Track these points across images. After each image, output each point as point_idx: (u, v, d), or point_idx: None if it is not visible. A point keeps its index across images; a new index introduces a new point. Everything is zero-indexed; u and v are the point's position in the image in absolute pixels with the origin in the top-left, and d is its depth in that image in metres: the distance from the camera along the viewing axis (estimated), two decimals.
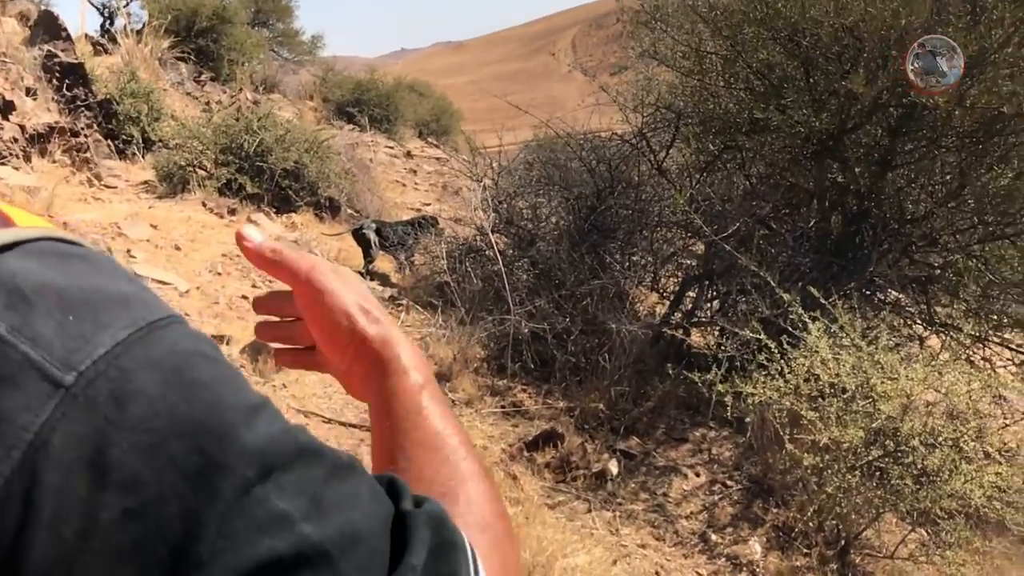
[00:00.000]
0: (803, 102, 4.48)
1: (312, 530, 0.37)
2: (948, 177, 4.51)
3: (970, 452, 3.10)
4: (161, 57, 10.22)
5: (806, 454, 3.18)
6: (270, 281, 5.44)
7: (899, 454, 3.14)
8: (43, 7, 9.29)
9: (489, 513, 0.52)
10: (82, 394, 0.35)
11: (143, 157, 7.40)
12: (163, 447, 0.36)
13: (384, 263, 6.41)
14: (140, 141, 7.46)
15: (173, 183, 6.74)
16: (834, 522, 3.42)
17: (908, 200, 4.70)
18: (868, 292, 4.69)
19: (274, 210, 6.89)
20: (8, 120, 6.21)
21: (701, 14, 4.72)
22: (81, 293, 0.39)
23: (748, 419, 3.71)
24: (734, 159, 5.27)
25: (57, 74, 7.04)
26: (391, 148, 13.93)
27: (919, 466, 3.08)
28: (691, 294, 5.19)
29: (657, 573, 3.28)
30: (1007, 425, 3.61)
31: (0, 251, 0.38)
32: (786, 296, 3.68)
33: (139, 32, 10.17)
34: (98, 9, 11.67)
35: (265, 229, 6.40)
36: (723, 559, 3.42)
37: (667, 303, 5.29)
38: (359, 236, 6.16)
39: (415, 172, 12.62)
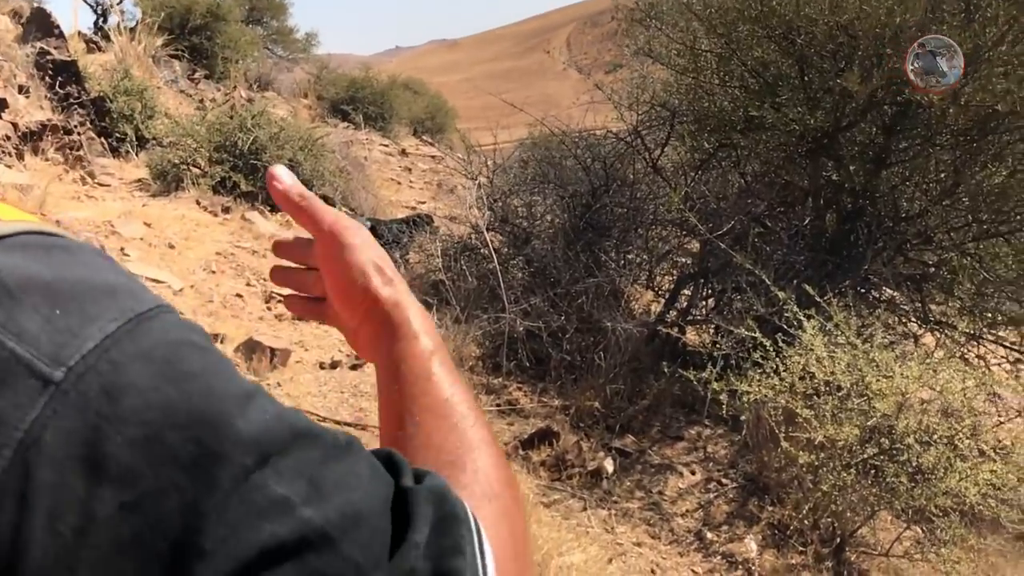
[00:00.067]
0: (798, 100, 4.48)
1: (313, 513, 0.37)
2: (943, 175, 4.52)
3: (965, 450, 3.11)
4: (155, 55, 10.18)
5: (801, 452, 3.18)
6: (264, 279, 5.44)
7: (894, 452, 3.15)
8: (36, 4, 9.23)
9: (497, 481, 0.51)
10: (72, 389, 0.35)
11: (137, 155, 7.37)
12: (158, 439, 0.35)
13: None
14: (134, 139, 7.43)
15: (167, 181, 6.71)
16: (829, 520, 3.43)
17: (903, 198, 4.70)
18: (863, 290, 4.70)
19: (268, 208, 6.87)
20: (0, 118, 6.18)
21: (696, 12, 4.72)
22: (67, 285, 0.38)
23: (743, 417, 3.71)
24: (729, 157, 5.27)
25: (50, 72, 7.00)
26: (386, 146, 13.93)
27: (914, 464, 3.09)
28: (686, 292, 5.20)
29: (653, 571, 3.28)
30: (1001, 423, 3.62)
31: None
32: (781, 294, 3.69)
33: (132, 29, 10.11)
34: (91, 6, 11.66)
35: (259, 228, 6.39)
36: (718, 557, 3.43)
37: (662, 301, 5.29)
38: None
39: (410, 170, 12.62)
